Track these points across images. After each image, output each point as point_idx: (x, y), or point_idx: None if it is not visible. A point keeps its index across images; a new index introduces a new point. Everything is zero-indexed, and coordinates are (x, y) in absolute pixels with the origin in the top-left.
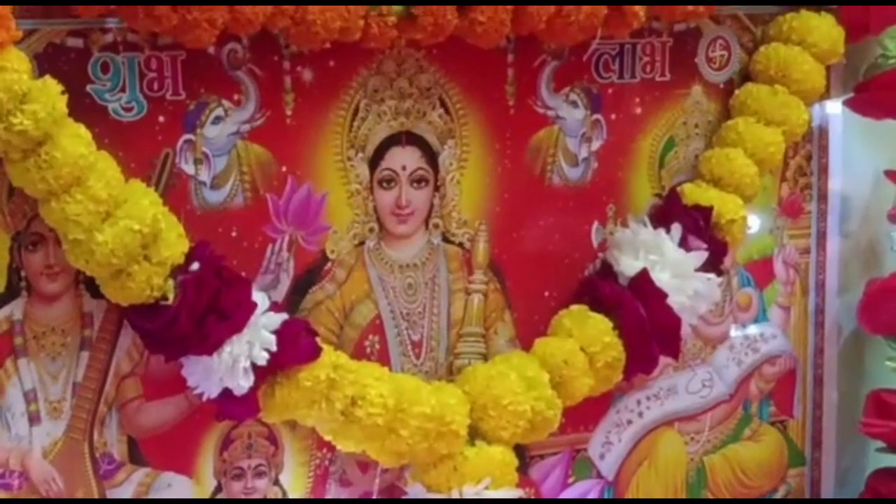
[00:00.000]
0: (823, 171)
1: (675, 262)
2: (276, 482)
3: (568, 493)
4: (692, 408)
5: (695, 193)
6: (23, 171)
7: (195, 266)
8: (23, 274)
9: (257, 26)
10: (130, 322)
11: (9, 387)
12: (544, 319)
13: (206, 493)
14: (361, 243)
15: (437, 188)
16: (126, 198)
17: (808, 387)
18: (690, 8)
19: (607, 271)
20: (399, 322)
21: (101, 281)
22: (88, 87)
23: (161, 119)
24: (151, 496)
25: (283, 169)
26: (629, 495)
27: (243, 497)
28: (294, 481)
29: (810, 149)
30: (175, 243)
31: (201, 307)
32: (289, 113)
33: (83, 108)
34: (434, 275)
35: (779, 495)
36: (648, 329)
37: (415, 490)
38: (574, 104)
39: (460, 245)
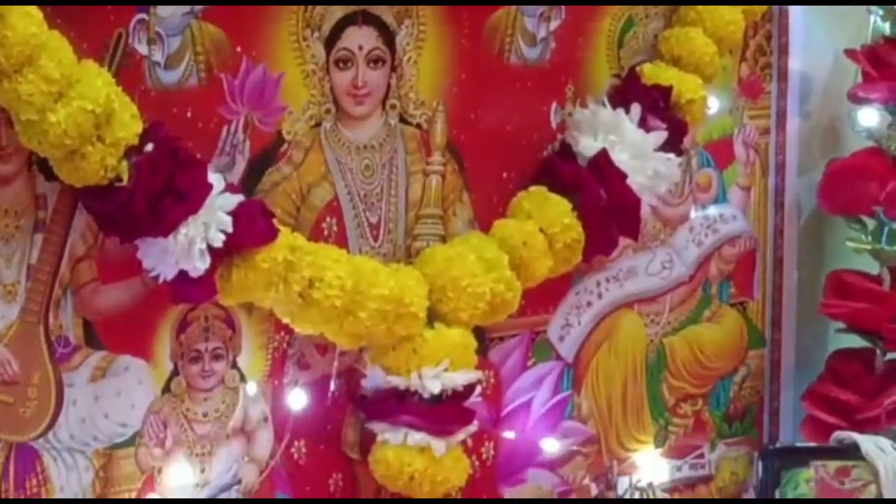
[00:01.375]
0: (783, 50)
1: (634, 142)
2: (234, 365)
3: (527, 376)
4: (652, 289)
5: (654, 73)
6: None
7: (149, 147)
8: None
9: None
10: (85, 204)
11: None
12: (503, 201)
13: (162, 376)
14: (318, 124)
15: (394, 68)
16: (79, 78)
17: (767, 268)
18: None
19: (566, 152)
20: (356, 204)
21: (55, 162)
22: None
23: None
24: (108, 379)
25: (238, 49)
26: (589, 377)
27: (201, 379)
28: (252, 364)
29: (770, 28)
30: (129, 124)
31: (156, 188)
32: None
33: None
34: (392, 156)
35: (738, 377)
36: (608, 210)
37: (374, 373)
38: None
39: (418, 126)
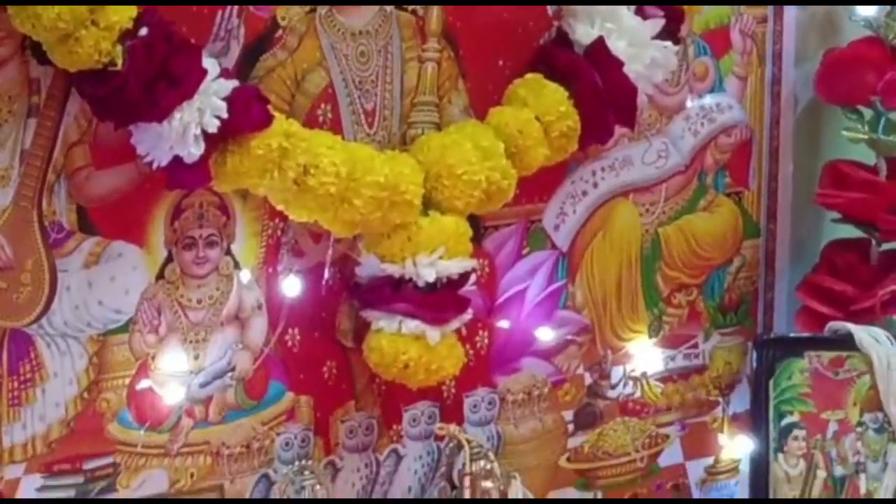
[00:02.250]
0: None
1: (631, 29)
2: (228, 252)
3: (522, 265)
4: (647, 178)
5: None
6: None
7: (144, 31)
8: None
9: None
10: (78, 88)
11: None
12: (499, 89)
13: (156, 263)
14: (313, 10)
15: None
16: None
17: (763, 158)
18: None
19: (563, 40)
20: (351, 90)
21: (48, 46)
22: None
23: None
24: (102, 265)
25: None
26: (584, 267)
27: (195, 265)
28: (246, 251)
29: None
30: (123, 8)
31: (151, 73)
32: None
33: None
34: (387, 42)
35: (733, 267)
36: (604, 98)
37: (368, 261)
38: None
39: (413, 12)
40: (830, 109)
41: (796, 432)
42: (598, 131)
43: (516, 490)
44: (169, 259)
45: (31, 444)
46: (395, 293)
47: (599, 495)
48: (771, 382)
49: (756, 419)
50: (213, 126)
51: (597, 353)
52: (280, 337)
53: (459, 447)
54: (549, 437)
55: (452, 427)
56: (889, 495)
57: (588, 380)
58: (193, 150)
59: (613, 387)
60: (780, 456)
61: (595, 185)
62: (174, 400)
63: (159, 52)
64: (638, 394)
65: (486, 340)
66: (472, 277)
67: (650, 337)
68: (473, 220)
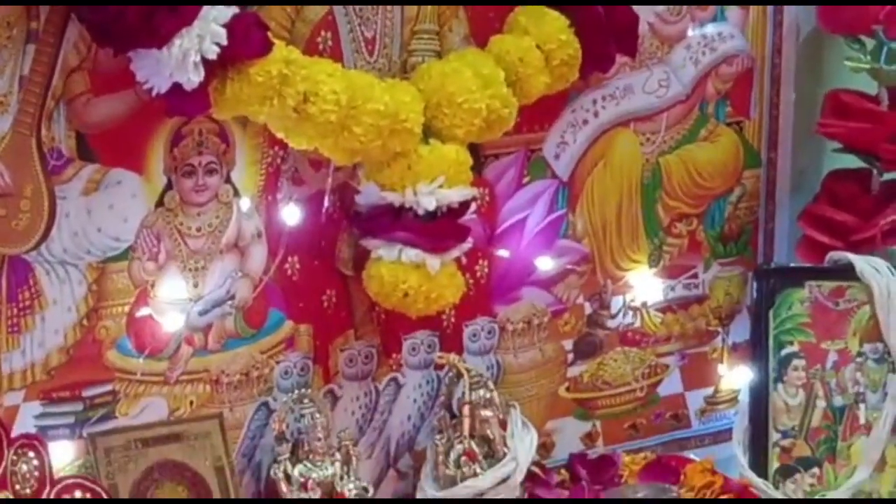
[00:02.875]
0: None
1: None
2: (228, 180)
3: (522, 194)
4: (648, 108)
5: None
6: None
7: None
8: None
9: None
10: (77, 15)
11: None
12: (499, 17)
13: (156, 191)
14: None
15: None
16: None
17: (765, 87)
18: None
19: None
20: (352, 18)
21: None
22: None
23: None
24: (101, 193)
25: None
26: (584, 196)
27: (195, 193)
28: (245, 179)
29: None
30: None
31: None
32: None
33: None
34: None
35: (733, 197)
36: (605, 26)
37: (368, 189)
38: None
39: None
40: (833, 39)
41: (796, 362)
42: (600, 60)
43: (515, 419)
44: (168, 186)
45: (30, 371)
46: (395, 221)
47: (598, 425)
48: (771, 312)
49: (756, 349)
50: (212, 53)
51: (597, 283)
52: (279, 265)
53: (459, 376)
54: (548, 367)
55: (452, 356)
56: (889, 426)
57: (588, 309)
58: (193, 77)
59: (613, 316)
60: (780, 386)
61: (596, 114)
62: (173, 328)
63: None
64: (638, 324)
65: (485, 269)
66: (472, 206)
67: (650, 267)
68: (474, 148)
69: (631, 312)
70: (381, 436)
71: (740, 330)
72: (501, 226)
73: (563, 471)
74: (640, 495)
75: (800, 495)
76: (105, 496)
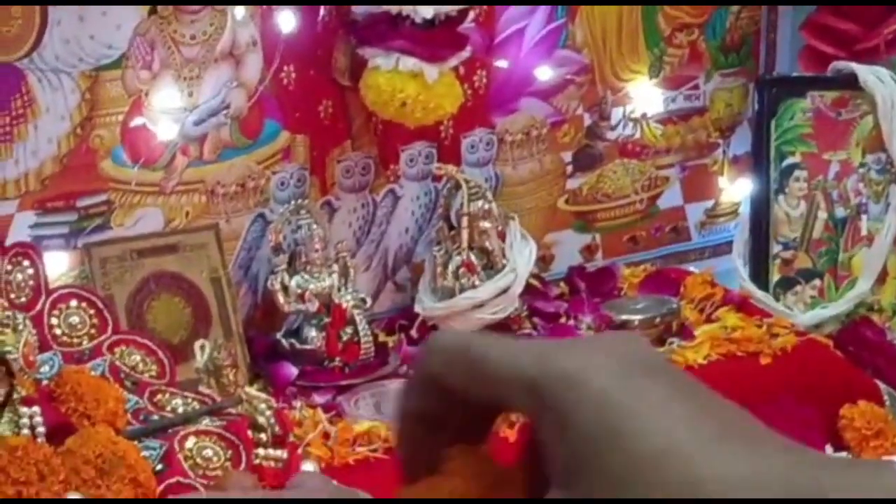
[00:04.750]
0: None
1: None
2: None
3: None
4: None
5: None
6: None
7: None
8: None
9: None
10: None
11: None
12: None
13: None
14: None
15: None
16: None
17: None
18: None
19: None
20: None
21: None
22: None
23: None
24: None
25: None
26: (583, 6)
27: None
28: None
29: None
30: None
31: None
32: None
33: None
34: None
35: (735, 6)
36: None
37: None
38: None
39: None
40: None
41: (797, 173)
42: None
43: (514, 231)
44: None
45: (23, 181)
46: (393, 30)
47: (597, 237)
48: (772, 123)
49: (757, 161)
50: None
51: (596, 94)
52: (275, 74)
53: (457, 187)
54: (547, 179)
55: (450, 167)
56: (891, 236)
57: (587, 121)
58: None
59: (613, 128)
60: (781, 197)
61: None
62: (168, 137)
63: None
64: (638, 135)
65: (484, 80)
66: (471, 14)
67: (650, 77)
68: None
69: (631, 124)
70: (378, 248)
71: (741, 142)
72: (500, 35)
73: (562, 283)
74: (639, 306)
75: (800, 307)
76: (101, 306)
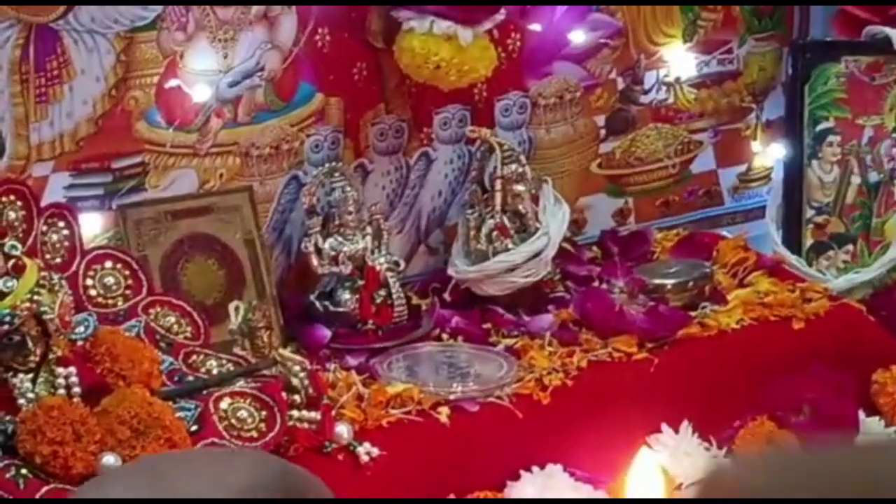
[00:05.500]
0: None
1: None
2: None
3: None
4: None
5: None
6: None
7: None
8: None
9: None
10: None
11: None
12: None
13: None
14: None
15: None
16: None
17: None
18: None
19: None
20: None
21: None
22: None
23: None
24: None
25: None
26: None
27: None
28: None
29: None
30: None
31: None
32: None
33: None
34: None
35: None
36: None
37: None
38: None
39: None
40: None
41: (831, 138)
42: None
43: (548, 194)
44: None
45: (58, 142)
46: None
47: (630, 201)
48: (806, 88)
49: (790, 125)
50: None
51: (630, 58)
52: (309, 37)
53: (491, 150)
54: (580, 143)
55: (484, 130)
56: None
57: (621, 85)
58: None
59: (646, 92)
60: (815, 162)
61: None
62: (202, 99)
63: None
64: (671, 99)
65: (518, 43)
66: None
67: (684, 41)
68: None
69: (664, 88)
70: (411, 211)
71: (774, 106)
72: None
73: (594, 248)
74: (672, 270)
75: (833, 272)
76: (135, 267)
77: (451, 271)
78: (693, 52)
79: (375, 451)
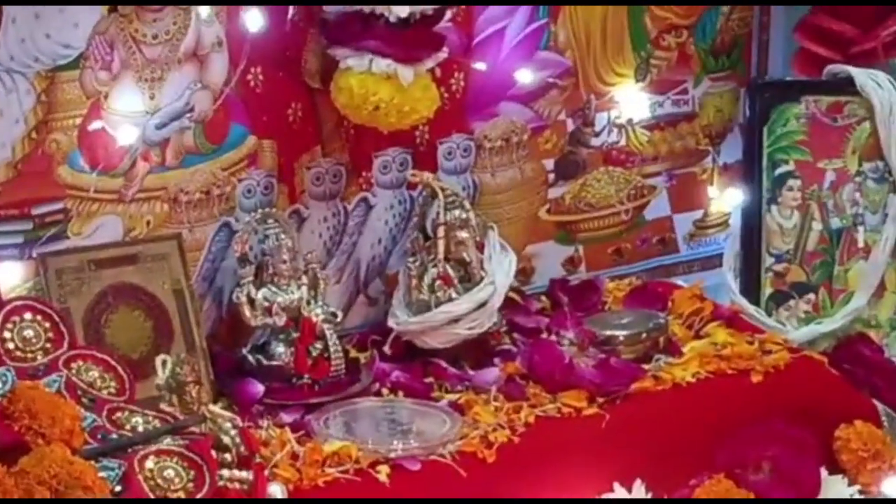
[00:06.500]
0: None
1: None
2: None
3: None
4: None
5: None
6: None
7: None
8: None
9: None
10: None
11: None
12: None
13: None
14: None
15: None
16: None
17: None
18: None
19: None
20: None
21: None
22: None
23: None
24: None
25: None
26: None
27: None
28: None
29: None
30: None
31: None
32: None
33: None
34: None
35: (726, 7)
36: None
37: None
38: None
39: None
40: None
41: (791, 182)
42: None
43: (493, 241)
44: None
45: None
46: (366, 29)
47: (581, 249)
48: (765, 129)
49: (748, 169)
50: None
51: (580, 98)
52: (241, 76)
53: (433, 196)
54: (528, 187)
55: (426, 174)
56: (889, 249)
57: (570, 126)
58: None
59: (597, 134)
60: (774, 207)
61: None
62: (128, 142)
63: None
64: (623, 142)
65: (461, 83)
66: (448, 14)
67: (637, 81)
68: None
69: (616, 130)
70: (350, 259)
71: (732, 149)
72: (479, 36)
73: (543, 298)
74: (624, 321)
75: (794, 323)
76: (56, 319)
77: (391, 323)
78: (646, 93)
79: None
